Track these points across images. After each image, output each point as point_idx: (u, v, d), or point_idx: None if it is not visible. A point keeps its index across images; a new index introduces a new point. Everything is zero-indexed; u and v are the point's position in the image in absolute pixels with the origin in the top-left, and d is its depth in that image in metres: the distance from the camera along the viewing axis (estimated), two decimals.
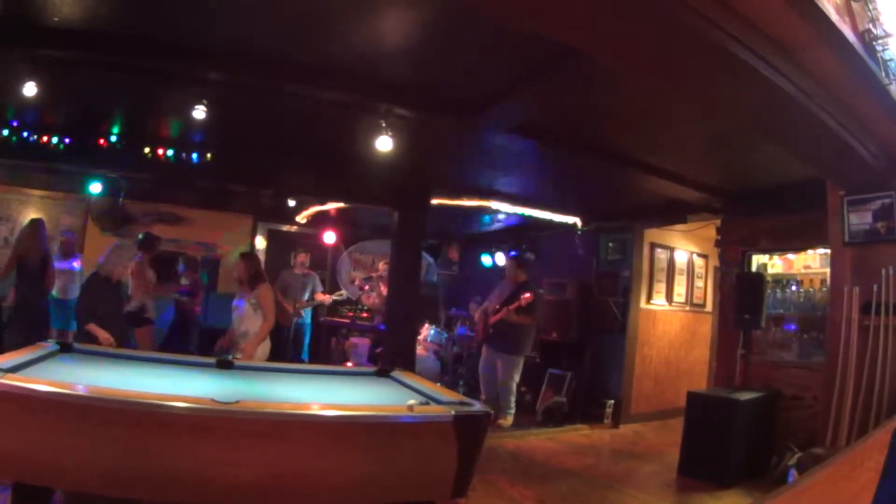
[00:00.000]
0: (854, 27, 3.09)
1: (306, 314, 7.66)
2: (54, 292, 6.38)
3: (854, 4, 3.18)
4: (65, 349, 3.40)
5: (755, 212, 5.85)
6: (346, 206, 7.79)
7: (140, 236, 6.55)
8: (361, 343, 7.80)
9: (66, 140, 5.37)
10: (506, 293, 6.49)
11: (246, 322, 4.65)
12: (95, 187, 7.05)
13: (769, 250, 5.97)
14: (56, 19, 3.51)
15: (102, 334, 4.38)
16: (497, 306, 6.43)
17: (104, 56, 3.80)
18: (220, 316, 7.14)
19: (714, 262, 7.67)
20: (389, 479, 2.51)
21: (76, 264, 6.62)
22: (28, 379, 2.33)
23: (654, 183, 5.70)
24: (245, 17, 3.43)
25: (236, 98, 4.54)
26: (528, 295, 6.14)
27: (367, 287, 8.63)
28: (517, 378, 6.37)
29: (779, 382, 5.32)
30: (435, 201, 6.67)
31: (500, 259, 8.75)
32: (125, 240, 6.62)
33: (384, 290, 7.67)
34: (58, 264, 6.33)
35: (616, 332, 7.21)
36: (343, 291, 8.53)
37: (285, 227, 9.25)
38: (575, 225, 7.65)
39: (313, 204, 8.20)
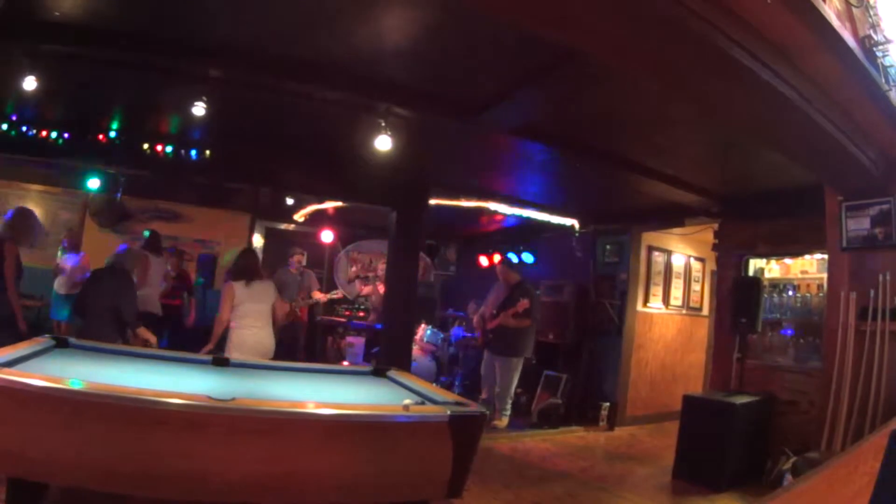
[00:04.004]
0: (854, 33, 3.10)
1: None
2: (56, 287, 6.36)
3: (855, 10, 3.19)
4: (61, 344, 3.39)
5: (753, 216, 5.84)
6: (344, 205, 7.79)
7: (146, 234, 6.50)
8: (357, 342, 7.79)
9: (65, 135, 5.35)
10: (501, 296, 6.48)
11: None
12: (94, 183, 7.04)
13: (767, 255, 5.96)
14: (57, 14, 3.51)
15: (153, 338, 4.56)
16: (494, 311, 6.41)
17: (104, 52, 3.80)
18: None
19: (711, 265, 7.67)
20: (384, 478, 2.50)
21: (70, 262, 6.59)
22: (23, 373, 2.31)
23: (653, 186, 5.70)
24: (246, 14, 3.43)
25: (236, 95, 4.54)
26: (525, 301, 6.12)
27: (364, 286, 8.62)
28: (516, 380, 6.35)
29: (775, 387, 5.33)
30: (433, 201, 6.67)
31: (485, 261, 8.65)
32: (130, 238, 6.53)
33: (381, 289, 7.66)
34: (65, 261, 6.34)
35: (612, 335, 7.21)
36: (339, 290, 8.51)
37: (283, 226, 9.24)
38: (573, 227, 7.65)
39: (311, 203, 8.19)
